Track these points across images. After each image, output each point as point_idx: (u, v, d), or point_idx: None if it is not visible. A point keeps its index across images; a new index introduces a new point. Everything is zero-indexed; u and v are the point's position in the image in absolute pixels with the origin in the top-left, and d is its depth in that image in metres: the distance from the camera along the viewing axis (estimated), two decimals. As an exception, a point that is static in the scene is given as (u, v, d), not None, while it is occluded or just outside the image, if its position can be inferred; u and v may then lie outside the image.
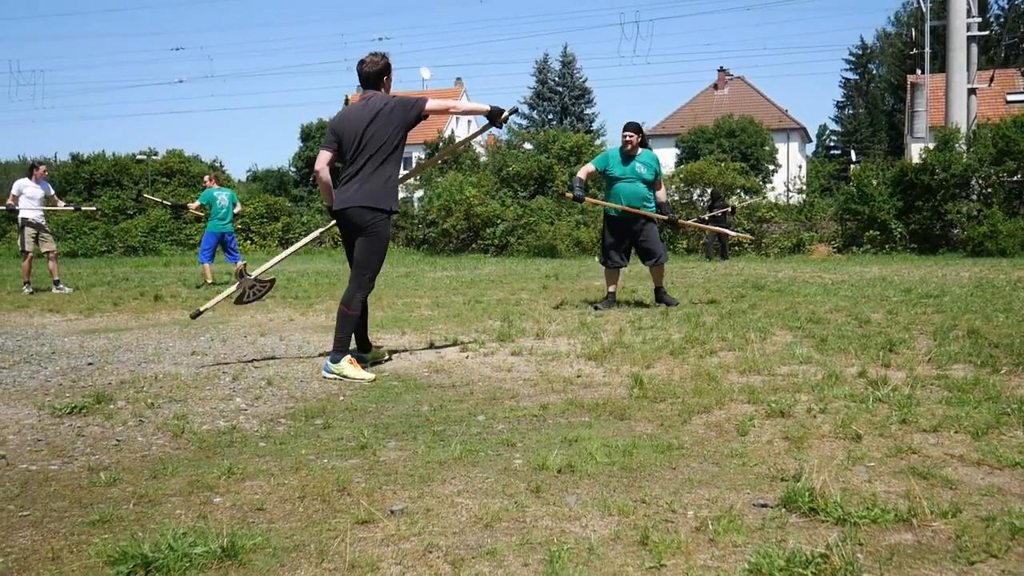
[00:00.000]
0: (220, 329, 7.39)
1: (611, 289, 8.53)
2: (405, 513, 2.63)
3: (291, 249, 6.45)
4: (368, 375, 4.96)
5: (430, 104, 5.25)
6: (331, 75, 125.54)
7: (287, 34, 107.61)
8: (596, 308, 8.31)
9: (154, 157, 33.75)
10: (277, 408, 4.24)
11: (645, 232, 8.30)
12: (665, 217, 8.42)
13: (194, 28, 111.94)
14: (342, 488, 2.87)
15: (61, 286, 11.96)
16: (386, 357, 5.58)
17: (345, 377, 4.94)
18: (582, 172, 8.71)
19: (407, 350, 5.99)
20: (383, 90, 5.31)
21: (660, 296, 8.51)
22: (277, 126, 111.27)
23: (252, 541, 2.38)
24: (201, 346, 6.35)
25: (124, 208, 28.22)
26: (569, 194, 8.71)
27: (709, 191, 21.97)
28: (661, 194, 8.42)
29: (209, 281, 12.53)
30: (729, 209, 19.88)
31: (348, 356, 5.06)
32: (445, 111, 5.52)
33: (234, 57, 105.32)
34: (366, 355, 5.42)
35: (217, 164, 34.74)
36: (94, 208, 18.75)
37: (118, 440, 3.64)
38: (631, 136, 8.23)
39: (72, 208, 14.32)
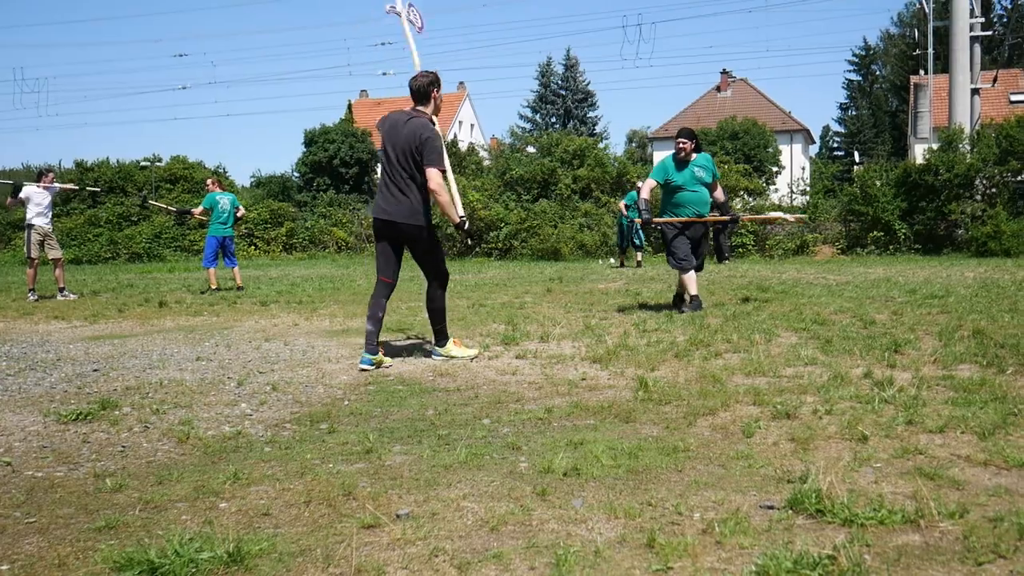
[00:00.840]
0: (225, 335, 7.39)
1: (693, 292, 8.17)
2: (411, 517, 2.62)
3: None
4: (472, 351, 5.74)
5: (429, 171, 5.44)
6: (334, 80, 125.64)
7: (290, 40, 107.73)
8: (681, 312, 7.97)
9: (158, 164, 33.84)
10: (282, 413, 4.24)
11: (701, 240, 8.20)
12: (727, 217, 8.34)
13: (197, 34, 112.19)
14: (348, 493, 2.87)
15: (66, 292, 11.99)
16: (387, 364, 5.59)
17: (452, 357, 5.66)
18: (646, 191, 8.34)
19: (412, 354, 5.99)
20: (433, 104, 5.65)
21: (678, 302, 8.33)
22: (280, 132, 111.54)
23: (258, 546, 2.38)
24: (206, 352, 6.36)
25: (128, 215, 28.28)
26: (639, 219, 8.60)
27: None
28: (719, 194, 8.27)
29: (214, 287, 12.54)
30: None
31: (452, 339, 5.81)
32: (432, 189, 5.55)
33: (237, 63, 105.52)
34: (373, 357, 5.46)
35: (221, 170, 34.84)
36: (98, 189, 18.85)
37: (123, 446, 3.64)
38: (683, 143, 8.06)
39: (77, 187, 14.16)
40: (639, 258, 17.96)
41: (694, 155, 8.12)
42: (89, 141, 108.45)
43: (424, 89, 5.59)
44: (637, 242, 17.85)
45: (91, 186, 16.22)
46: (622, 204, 17.90)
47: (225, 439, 3.73)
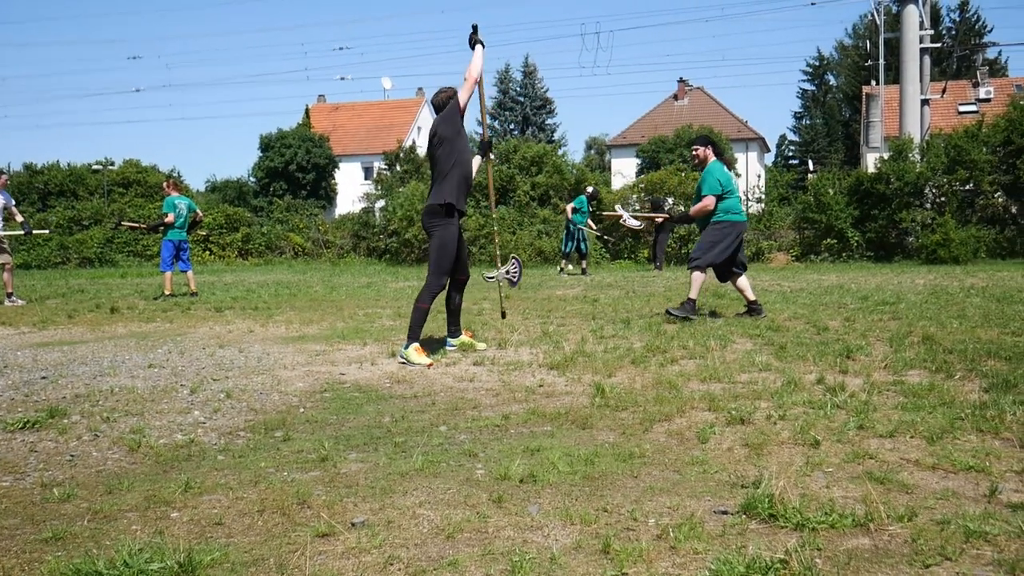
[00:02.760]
0: (178, 341, 7.28)
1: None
2: (366, 525, 2.61)
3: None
4: (425, 360, 5.68)
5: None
6: (291, 85, 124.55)
7: (246, 43, 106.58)
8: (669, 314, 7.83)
9: (110, 167, 33.30)
10: (236, 421, 4.19)
11: (730, 247, 8.07)
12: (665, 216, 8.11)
13: (151, 37, 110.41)
14: (302, 501, 2.84)
15: (14, 298, 11.73)
16: (479, 347, 6.29)
17: (408, 361, 5.69)
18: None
19: (369, 361, 5.95)
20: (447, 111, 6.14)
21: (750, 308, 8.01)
22: (236, 136, 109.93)
23: (210, 556, 2.35)
24: (158, 359, 6.26)
25: (79, 219, 27.75)
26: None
27: (648, 199, 22.05)
28: (696, 205, 7.89)
29: (168, 292, 12.36)
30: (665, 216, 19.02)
31: (416, 344, 5.82)
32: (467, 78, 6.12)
33: (192, 66, 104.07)
34: (454, 341, 6.37)
35: (175, 174, 34.41)
36: (46, 231, 18.36)
37: (72, 455, 3.57)
38: (694, 150, 7.81)
39: (24, 231, 13.51)
40: (584, 265, 17.81)
41: (711, 161, 7.83)
42: (39, 143, 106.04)
43: (443, 103, 6.14)
44: (583, 248, 17.74)
45: (39, 228, 15.55)
46: (569, 208, 17.81)
47: (177, 447, 3.67)
